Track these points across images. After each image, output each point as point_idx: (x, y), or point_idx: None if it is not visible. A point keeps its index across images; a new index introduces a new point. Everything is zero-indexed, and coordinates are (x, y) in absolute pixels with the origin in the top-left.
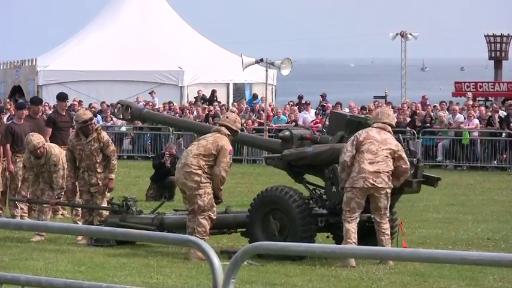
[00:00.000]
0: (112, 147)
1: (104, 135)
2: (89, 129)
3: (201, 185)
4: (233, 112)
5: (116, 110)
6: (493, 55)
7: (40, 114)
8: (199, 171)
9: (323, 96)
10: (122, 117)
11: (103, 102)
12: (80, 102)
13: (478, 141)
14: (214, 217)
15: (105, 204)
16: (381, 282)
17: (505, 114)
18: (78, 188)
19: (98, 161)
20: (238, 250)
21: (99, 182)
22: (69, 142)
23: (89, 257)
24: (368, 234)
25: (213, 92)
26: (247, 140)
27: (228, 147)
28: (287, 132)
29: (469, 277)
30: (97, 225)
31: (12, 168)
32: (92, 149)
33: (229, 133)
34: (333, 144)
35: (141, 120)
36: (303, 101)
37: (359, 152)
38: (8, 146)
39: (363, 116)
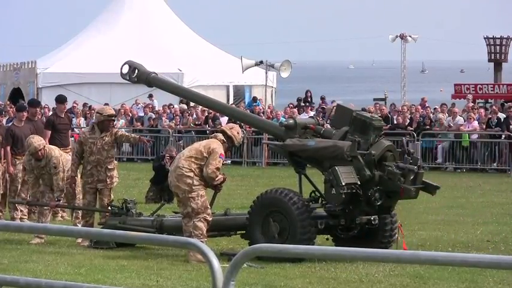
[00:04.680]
0: (120, 132)
1: (121, 132)
2: (109, 125)
3: (193, 187)
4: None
5: (122, 70)
6: (492, 57)
7: (39, 116)
8: (191, 174)
9: (323, 99)
10: (128, 78)
11: (106, 104)
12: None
13: (478, 144)
14: (210, 218)
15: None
16: (380, 285)
17: (505, 116)
18: (79, 190)
19: (109, 156)
20: (238, 252)
21: (107, 180)
22: (82, 135)
23: (88, 259)
24: (367, 236)
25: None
26: (251, 121)
27: (219, 150)
28: (291, 121)
29: (468, 279)
30: (99, 223)
31: (12, 171)
32: (104, 142)
33: (224, 140)
34: (335, 141)
35: (147, 84)
36: (302, 103)
37: None
38: (8, 148)
39: (368, 114)
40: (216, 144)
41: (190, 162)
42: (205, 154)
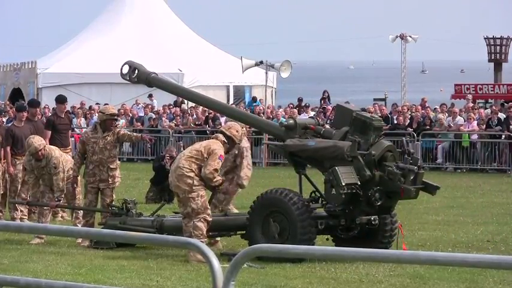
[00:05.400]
0: (122, 131)
1: (123, 131)
2: (111, 124)
3: (193, 187)
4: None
5: (122, 70)
6: (492, 57)
7: (39, 116)
8: (192, 174)
9: (324, 99)
10: (128, 78)
11: (106, 104)
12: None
13: (478, 144)
14: (210, 219)
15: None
16: (380, 285)
17: (505, 116)
18: (78, 190)
19: (111, 155)
20: (238, 252)
21: (109, 180)
22: (84, 134)
23: (88, 260)
24: (367, 236)
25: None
26: (251, 121)
27: (219, 152)
28: (291, 121)
29: (468, 279)
30: (99, 223)
31: (12, 171)
32: (106, 142)
33: (225, 140)
34: (335, 141)
35: (147, 84)
36: (303, 104)
37: None
38: (8, 148)
39: (368, 115)
40: (216, 145)
41: (190, 162)
42: (205, 155)
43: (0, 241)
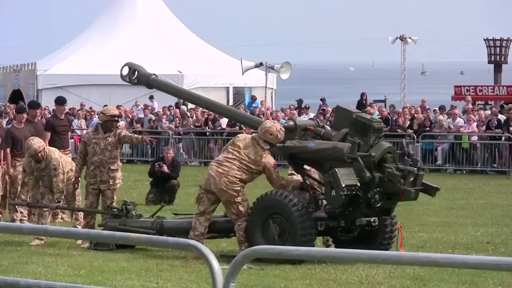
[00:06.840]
0: (124, 132)
1: (124, 133)
2: (112, 125)
3: (239, 193)
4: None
5: (122, 72)
6: (492, 59)
7: (39, 118)
8: (239, 182)
9: (323, 100)
10: (128, 80)
11: (105, 105)
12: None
13: (478, 145)
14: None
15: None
16: (380, 286)
17: (505, 118)
18: (78, 191)
19: (112, 156)
20: (238, 254)
21: (110, 181)
22: (86, 135)
23: (88, 261)
24: (367, 237)
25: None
26: (251, 123)
27: (271, 162)
28: (291, 122)
29: (468, 281)
30: (99, 225)
31: (12, 172)
32: (107, 143)
33: (268, 147)
34: (335, 142)
35: (147, 86)
36: (303, 105)
37: None
38: (8, 150)
39: (368, 116)
40: (264, 158)
41: (242, 172)
42: (259, 169)
43: (0, 242)
